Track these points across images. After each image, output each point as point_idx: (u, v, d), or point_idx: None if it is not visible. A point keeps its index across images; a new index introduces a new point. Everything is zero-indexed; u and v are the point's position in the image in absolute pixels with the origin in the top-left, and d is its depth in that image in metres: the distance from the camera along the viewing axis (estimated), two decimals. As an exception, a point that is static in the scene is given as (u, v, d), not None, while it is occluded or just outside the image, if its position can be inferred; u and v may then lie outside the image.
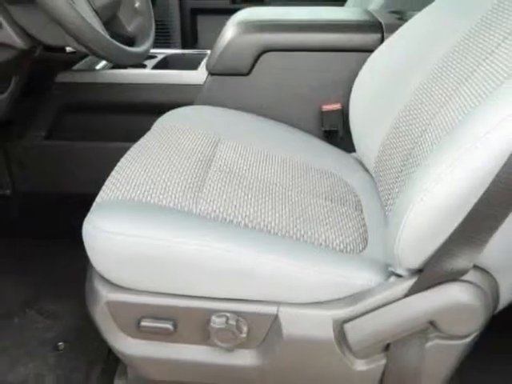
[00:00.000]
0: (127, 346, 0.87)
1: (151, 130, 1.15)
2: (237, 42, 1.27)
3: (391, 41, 1.13)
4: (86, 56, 1.48)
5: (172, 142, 1.04)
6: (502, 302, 0.78)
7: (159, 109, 1.26)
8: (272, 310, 0.80)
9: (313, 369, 0.85)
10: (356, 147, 1.17)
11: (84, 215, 0.83)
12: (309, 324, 0.80)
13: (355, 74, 1.19)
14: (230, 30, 1.29)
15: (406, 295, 0.75)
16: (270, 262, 0.78)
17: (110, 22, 1.15)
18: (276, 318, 0.80)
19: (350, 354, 0.82)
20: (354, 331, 0.78)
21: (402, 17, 1.33)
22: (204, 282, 0.80)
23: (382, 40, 1.24)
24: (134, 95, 1.37)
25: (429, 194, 0.67)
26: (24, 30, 0.96)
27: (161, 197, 0.86)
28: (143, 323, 0.83)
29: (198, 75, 1.35)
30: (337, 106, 1.29)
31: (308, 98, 1.30)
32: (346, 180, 1.07)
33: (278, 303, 0.80)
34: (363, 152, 1.13)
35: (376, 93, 1.10)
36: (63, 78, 1.39)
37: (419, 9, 1.11)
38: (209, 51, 1.38)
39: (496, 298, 0.77)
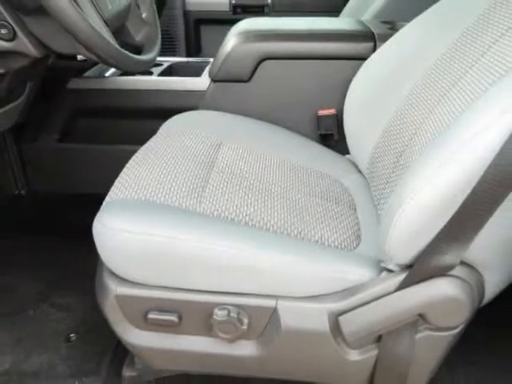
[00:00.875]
0: (135, 337, 0.87)
1: (157, 133, 1.15)
2: (238, 51, 1.27)
3: (383, 49, 1.13)
4: (96, 64, 1.48)
5: (177, 144, 1.04)
6: (488, 296, 0.79)
7: (165, 113, 1.26)
8: (271, 303, 0.80)
9: (309, 359, 0.85)
10: (350, 150, 1.17)
11: (94, 214, 0.83)
12: (305, 316, 0.80)
13: (349, 81, 1.19)
14: (232, 40, 1.29)
15: (397, 289, 0.76)
16: (269, 258, 0.78)
17: (118, 31, 1.15)
18: (275, 310, 0.80)
19: (344, 345, 0.82)
20: (348, 323, 0.78)
21: (393, 27, 1.33)
22: (207, 276, 0.80)
23: (374, 48, 1.24)
24: (141, 101, 1.37)
25: (418, 194, 0.67)
26: (38, 39, 0.96)
27: (166, 196, 0.86)
28: (150, 316, 0.83)
29: (201, 82, 1.36)
30: (332, 111, 1.29)
31: (305, 104, 1.30)
32: (341, 181, 1.07)
33: (277, 297, 0.80)
34: (357, 154, 1.13)
35: (369, 98, 1.10)
36: (75, 84, 1.39)
37: (409, 19, 1.11)
38: (212, 59, 1.38)
39: (481, 292, 0.77)
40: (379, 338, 0.81)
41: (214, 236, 0.79)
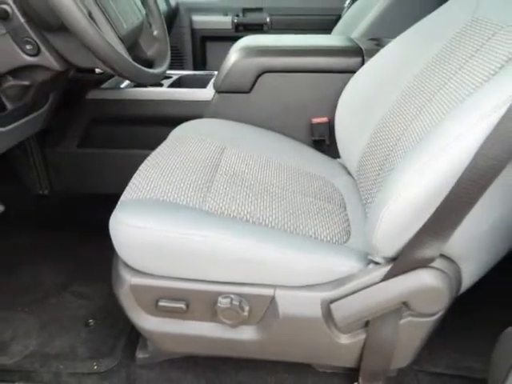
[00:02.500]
0: (147, 322, 0.87)
1: (167, 139, 1.15)
2: (240, 65, 1.27)
3: (370, 64, 1.13)
4: (112, 76, 1.48)
5: (185, 149, 1.04)
6: (464, 285, 0.79)
7: (174, 121, 1.26)
8: (269, 292, 0.80)
9: (304, 342, 0.85)
10: (340, 154, 1.17)
11: (110, 212, 0.84)
12: (301, 304, 0.80)
13: (340, 92, 1.18)
14: (234, 55, 1.29)
15: (383, 280, 0.76)
16: (268, 252, 0.78)
17: (132, 47, 1.15)
18: (273, 299, 0.81)
19: (335, 330, 0.82)
20: (339, 310, 0.78)
21: (379, 43, 1.33)
22: (212, 268, 0.80)
23: (362, 63, 1.23)
24: (152, 110, 1.37)
25: (402, 195, 0.67)
26: (60, 54, 0.96)
27: (175, 196, 0.86)
28: (160, 303, 0.83)
29: (206, 93, 1.35)
30: (324, 119, 1.29)
31: (300, 112, 1.30)
32: (332, 182, 1.07)
33: (275, 286, 0.80)
34: (346, 158, 1.13)
35: (357, 108, 1.10)
36: (93, 94, 1.39)
37: (394, 37, 1.11)
38: (216, 72, 1.38)
39: (459, 281, 0.77)
40: (367, 323, 0.82)
41: (218, 231, 0.79)
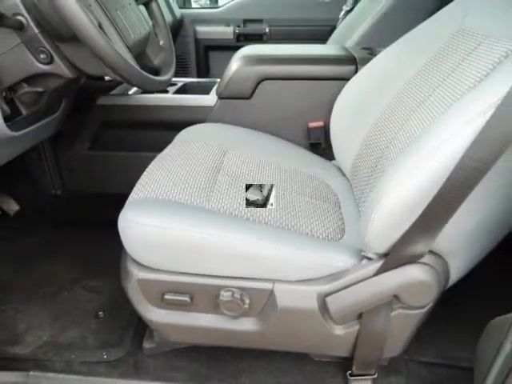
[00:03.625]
0: (153, 314, 0.87)
1: (172, 142, 1.15)
2: (241, 73, 1.27)
3: (363, 71, 1.13)
4: (120, 83, 1.48)
5: (189, 152, 1.04)
6: (452, 280, 0.79)
7: (178, 125, 1.26)
8: (269, 286, 0.80)
9: (301, 333, 0.85)
10: (335, 156, 1.17)
11: (119, 210, 0.83)
12: (298, 297, 0.80)
13: (335, 98, 1.18)
14: (236, 63, 1.29)
15: (375, 274, 0.76)
16: (267, 248, 0.78)
17: (139, 56, 1.15)
18: (272, 292, 0.80)
19: (330, 321, 0.82)
20: (333, 303, 0.78)
21: (372, 52, 1.32)
22: (215, 263, 0.80)
23: (356, 71, 1.23)
24: (158, 115, 1.37)
25: (393, 194, 0.67)
26: (71, 62, 0.96)
27: (180, 196, 0.86)
28: (166, 296, 0.83)
29: (209, 99, 1.35)
30: (320, 124, 1.29)
31: (297, 117, 1.30)
32: (328, 182, 1.07)
33: (274, 281, 0.80)
34: (341, 160, 1.13)
35: (351, 113, 1.10)
36: (103, 100, 1.39)
37: (385, 46, 1.10)
38: (218, 79, 1.38)
39: (447, 276, 0.77)
40: (360, 316, 0.82)
41: (220, 229, 0.79)
